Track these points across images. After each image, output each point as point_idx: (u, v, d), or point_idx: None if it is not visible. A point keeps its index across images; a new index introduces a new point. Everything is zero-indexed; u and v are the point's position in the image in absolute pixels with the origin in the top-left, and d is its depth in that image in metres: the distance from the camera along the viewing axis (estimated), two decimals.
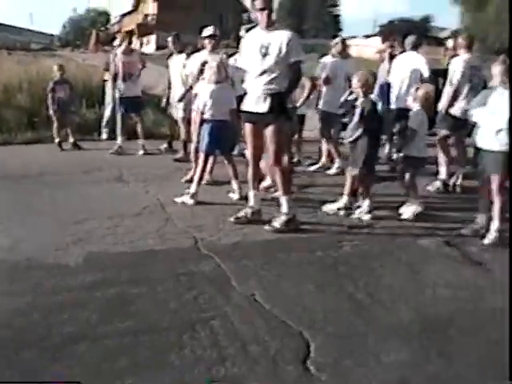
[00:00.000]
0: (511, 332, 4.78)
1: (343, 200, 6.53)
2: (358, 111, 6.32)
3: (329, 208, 6.53)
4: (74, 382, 3.00)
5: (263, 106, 5.65)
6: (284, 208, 5.82)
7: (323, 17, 71.34)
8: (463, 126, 7.32)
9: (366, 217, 6.28)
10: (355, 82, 6.44)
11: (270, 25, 5.67)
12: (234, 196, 6.89)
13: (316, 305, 4.16)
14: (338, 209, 6.48)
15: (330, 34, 57.14)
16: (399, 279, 4.73)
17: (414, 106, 6.67)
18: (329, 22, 70.82)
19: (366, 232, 5.92)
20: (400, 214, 6.43)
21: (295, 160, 8.67)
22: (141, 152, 9.87)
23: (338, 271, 4.84)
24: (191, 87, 8.01)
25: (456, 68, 7.64)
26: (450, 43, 9.76)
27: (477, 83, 7.56)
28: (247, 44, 5.91)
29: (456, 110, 7.59)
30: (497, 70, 5.82)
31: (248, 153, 6.09)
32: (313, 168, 8.84)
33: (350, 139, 6.42)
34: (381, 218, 6.33)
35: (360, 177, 6.41)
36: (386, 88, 8.79)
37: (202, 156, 6.81)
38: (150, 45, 51.78)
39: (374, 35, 56.12)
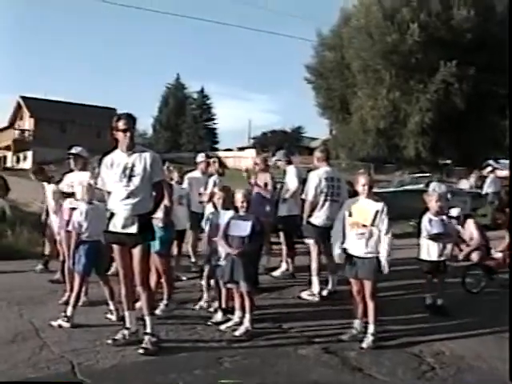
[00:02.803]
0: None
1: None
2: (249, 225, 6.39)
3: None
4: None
5: (132, 228, 5.67)
6: (148, 328, 5.73)
7: (199, 131, 73.09)
8: (326, 235, 7.65)
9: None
10: (241, 197, 6.52)
11: (132, 146, 5.80)
12: (112, 317, 6.73)
13: None
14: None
15: (206, 147, 58.87)
16: None
17: None
18: (205, 136, 72.58)
19: (247, 345, 5.91)
20: None
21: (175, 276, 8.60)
22: None
23: None
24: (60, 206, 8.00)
25: (311, 181, 8.02)
26: None
27: (336, 193, 7.96)
28: (108, 166, 5.86)
29: (315, 220, 7.93)
30: (362, 180, 6.21)
31: (119, 274, 5.98)
32: None
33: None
34: (262, 328, 6.39)
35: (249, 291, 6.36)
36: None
37: (78, 278, 6.68)
38: (27, 160, 50.90)
39: (248, 148, 58.83)
